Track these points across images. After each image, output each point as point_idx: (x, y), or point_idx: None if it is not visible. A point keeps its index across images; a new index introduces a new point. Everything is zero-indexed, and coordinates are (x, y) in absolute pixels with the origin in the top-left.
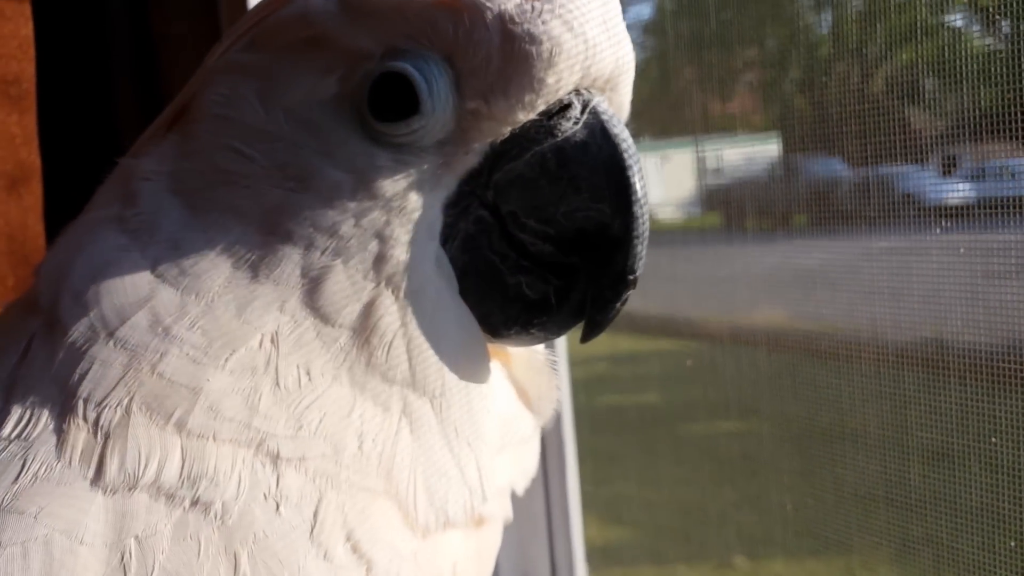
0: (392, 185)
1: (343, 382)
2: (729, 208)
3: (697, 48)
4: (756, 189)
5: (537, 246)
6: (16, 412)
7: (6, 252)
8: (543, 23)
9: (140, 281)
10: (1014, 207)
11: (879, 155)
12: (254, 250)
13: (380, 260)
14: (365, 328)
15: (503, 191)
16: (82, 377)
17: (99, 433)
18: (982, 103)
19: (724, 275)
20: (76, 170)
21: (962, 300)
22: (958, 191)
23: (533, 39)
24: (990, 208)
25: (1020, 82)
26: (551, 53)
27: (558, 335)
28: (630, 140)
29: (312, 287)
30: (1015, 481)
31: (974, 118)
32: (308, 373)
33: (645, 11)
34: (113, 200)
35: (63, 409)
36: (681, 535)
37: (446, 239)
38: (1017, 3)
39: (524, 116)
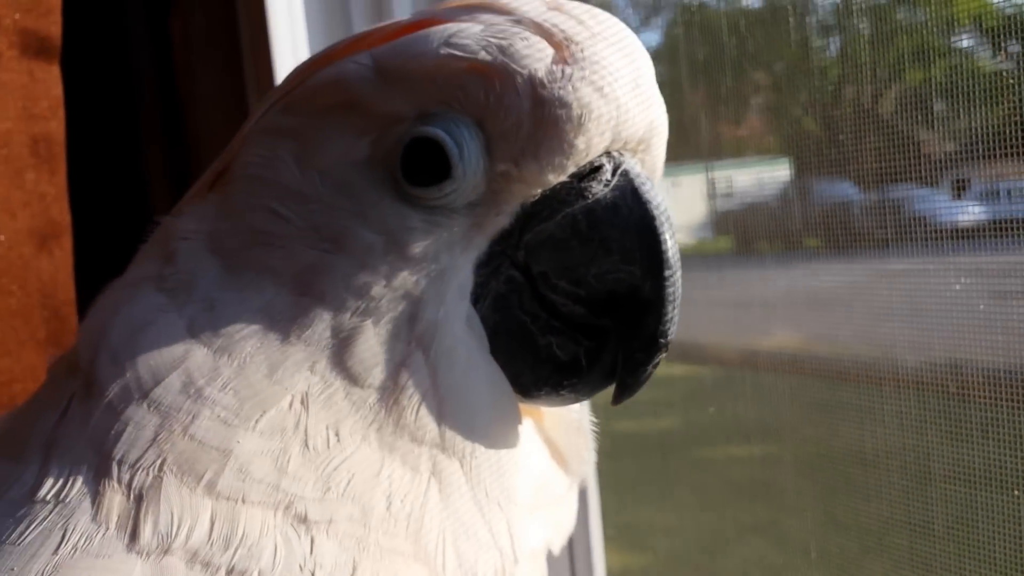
0: (424, 246)
1: (372, 443)
2: (741, 232)
3: (707, 73)
4: (767, 212)
5: (568, 307)
6: (53, 473)
7: (38, 306)
8: (573, 88)
9: (175, 342)
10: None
11: (890, 177)
12: (287, 311)
13: (411, 320)
14: (395, 388)
15: (534, 252)
16: (116, 438)
17: (132, 495)
18: (992, 124)
19: (737, 299)
20: (105, 226)
21: (976, 321)
22: (969, 212)
23: (563, 104)
24: (1002, 229)
25: None
26: (581, 117)
27: (589, 396)
28: (662, 202)
29: (342, 347)
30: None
31: (984, 139)
32: (337, 434)
33: (654, 38)
34: (153, 259)
35: (98, 471)
36: (699, 562)
37: (477, 299)
38: None
39: (555, 178)
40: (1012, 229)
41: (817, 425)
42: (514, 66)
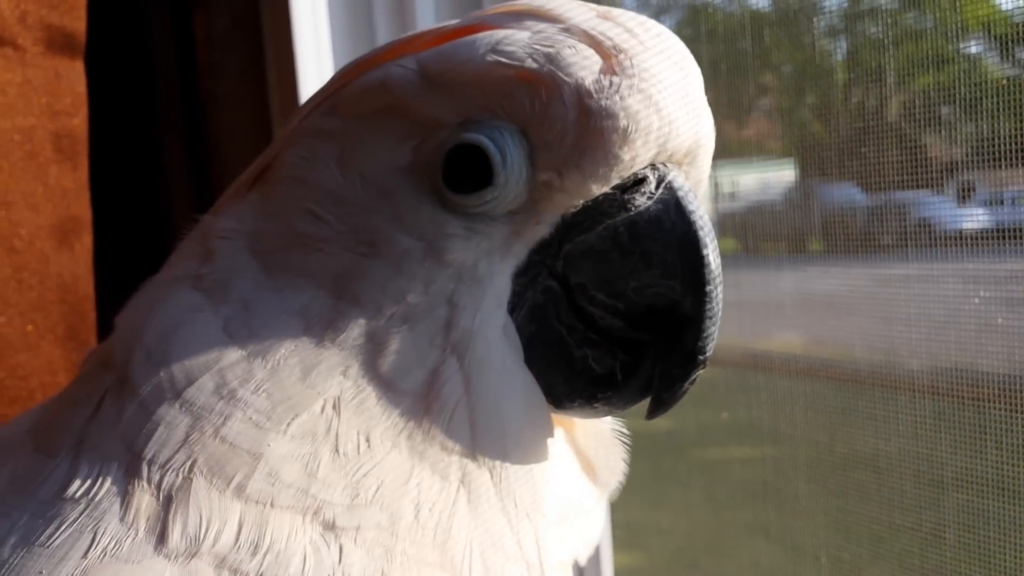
0: (462, 253)
1: (402, 449)
2: (744, 233)
3: (714, 73)
4: (772, 214)
5: (606, 320)
6: (83, 470)
7: (57, 301)
8: (620, 99)
9: (210, 342)
10: None
11: (895, 181)
12: (323, 313)
13: (447, 327)
14: (428, 395)
15: (573, 263)
16: (148, 438)
17: (161, 496)
18: (998, 131)
19: (739, 300)
20: (125, 222)
21: (978, 327)
22: (974, 218)
23: (609, 115)
24: (1007, 235)
25: None
26: (627, 129)
27: (623, 410)
28: (706, 217)
29: (377, 352)
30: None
31: (990, 145)
32: (368, 440)
33: None
34: (191, 257)
35: (128, 470)
36: (706, 564)
37: (514, 308)
38: None
39: (597, 189)
40: (1016, 236)
41: (815, 427)
42: (561, 75)
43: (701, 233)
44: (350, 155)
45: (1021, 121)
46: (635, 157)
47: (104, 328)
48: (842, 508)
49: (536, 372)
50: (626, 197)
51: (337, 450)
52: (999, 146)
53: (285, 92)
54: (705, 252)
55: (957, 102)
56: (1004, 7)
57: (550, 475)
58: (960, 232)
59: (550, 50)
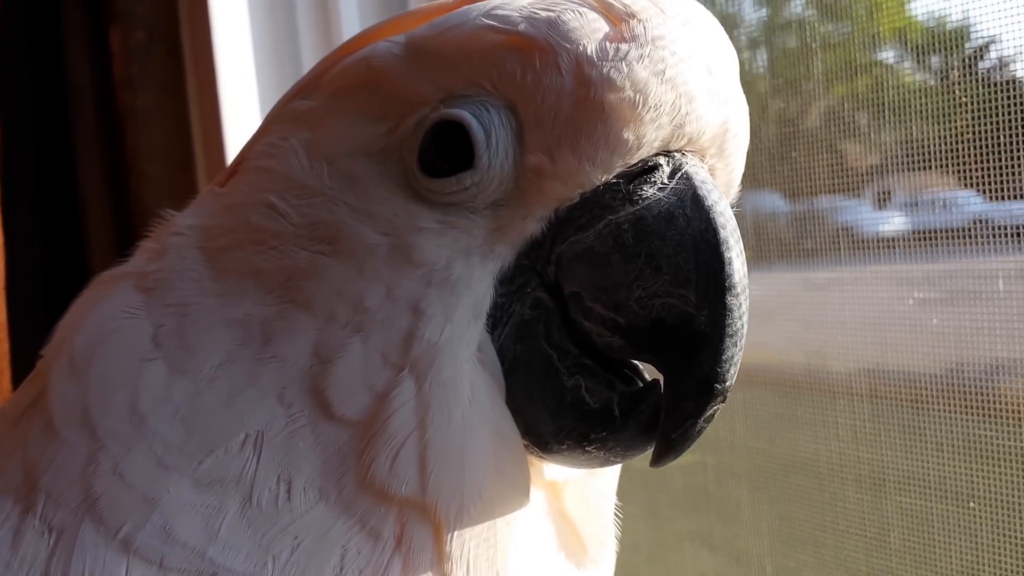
0: (434, 251)
1: (330, 501)
2: None
3: None
4: None
5: (605, 338)
6: None
7: None
8: (627, 67)
9: (134, 355)
10: (944, 237)
11: (816, 188)
12: (268, 322)
13: (407, 340)
14: (371, 426)
15: (567, 267)
16: (47, 465)
17: (51, 537)
18: (914, 136)
19: None
20: (39, 241)
21: (905, 327)
22: (892, 222)
23: (612, 86)
24: (922, 238)
25: (950, 116)
26: (633, 103)
27: (623, 457)
28: (729, 215)
29: (322, 369)
30: (961, 513)
31: (906, 152)
32: (288, 488)
33: None
34: (144, 254)
35: (25, 505)
36: (640, 573)
37: (496, 323)
38: (946, 39)
39: (598, 178)
40: (933, 239)
41: (763, 434)
42: (559, 40)
43: (723, 232)
44: (319, 139)
45: (936, 126)
46: (643, 139)
47: (17, 354)
48: (783, 514)
49: (517, 405)
50: (632, 188)
51: (250, 501)
52: (915, 151)
53: (206, 105)
54: (727, 255)
55: (874, 109)
56: (918, 17)
57: (519, 539)
58: (879, 236)
59: (549, 14)
